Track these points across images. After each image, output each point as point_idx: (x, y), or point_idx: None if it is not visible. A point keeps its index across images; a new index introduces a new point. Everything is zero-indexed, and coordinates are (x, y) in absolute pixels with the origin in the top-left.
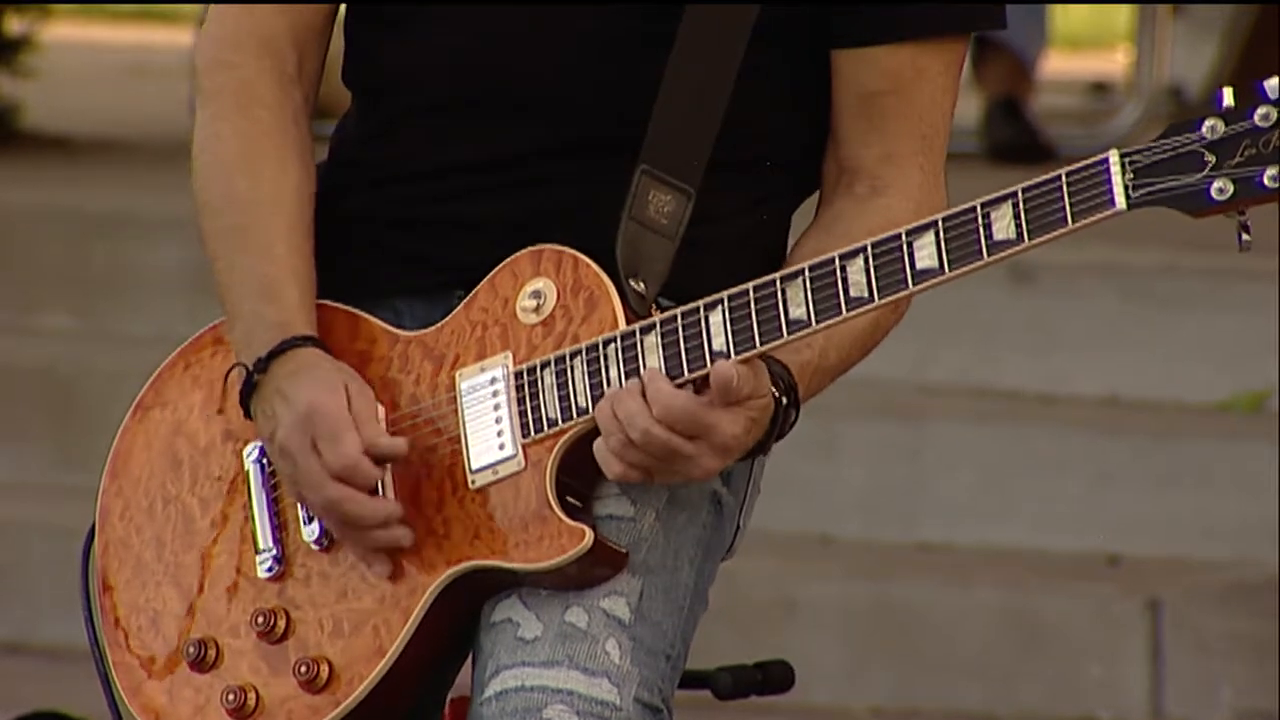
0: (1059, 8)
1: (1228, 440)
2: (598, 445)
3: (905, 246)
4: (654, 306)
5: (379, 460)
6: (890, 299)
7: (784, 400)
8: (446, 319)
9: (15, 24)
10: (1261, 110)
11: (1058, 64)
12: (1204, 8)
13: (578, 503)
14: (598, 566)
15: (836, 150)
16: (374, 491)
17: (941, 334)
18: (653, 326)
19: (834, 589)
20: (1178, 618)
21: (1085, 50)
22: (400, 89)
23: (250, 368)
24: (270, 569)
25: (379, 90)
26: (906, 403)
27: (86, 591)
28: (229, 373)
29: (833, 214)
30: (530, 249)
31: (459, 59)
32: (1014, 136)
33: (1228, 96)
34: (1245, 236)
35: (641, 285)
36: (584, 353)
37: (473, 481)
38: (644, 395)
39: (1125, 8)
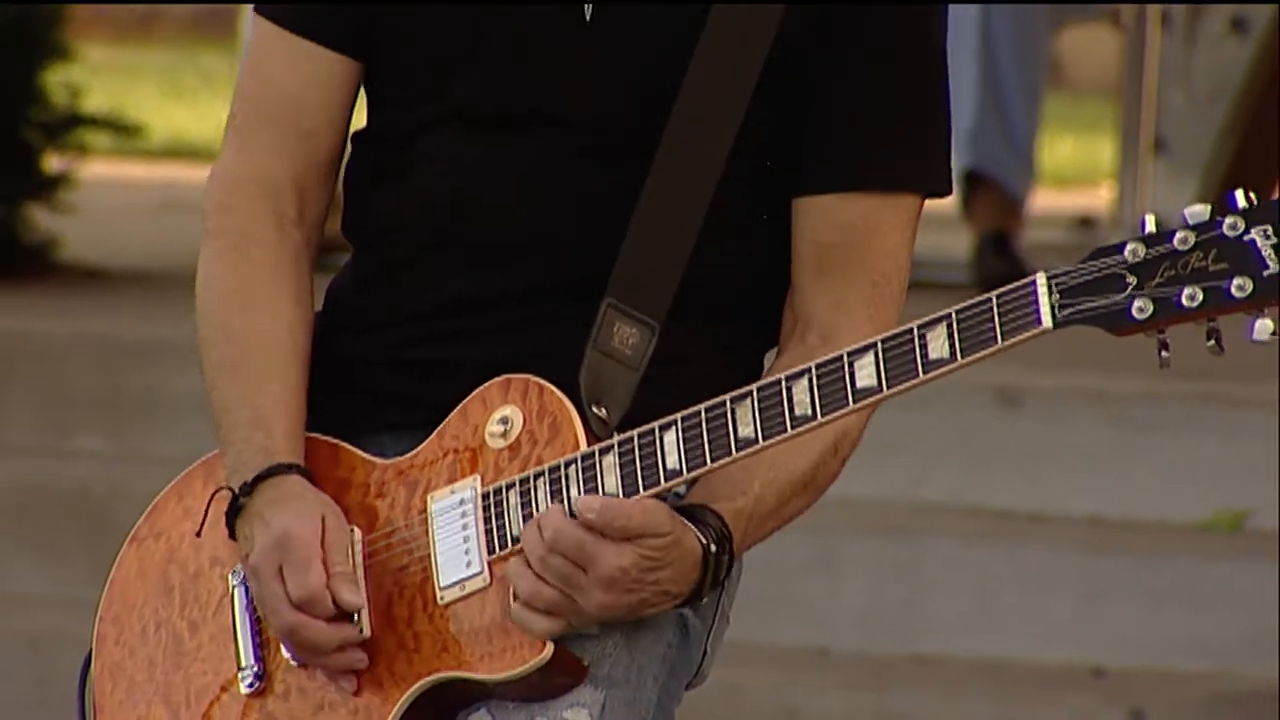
0: (1046, 146)
1: (1209, 559)
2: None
3: (847, 366)
4: (616, 431)
5: (338, 608)
6: (833, 416)
7: (713, 547)
8: (421, 446)
9: (54, 162)
10: (1180, 235)
11: (1045, 200)
12: (1184, 147)
13: None
14: (559, 676)
15: (793, 300)
16: (334, 618)
17: (935, 457)
18: (611, 447)
19: (834, 700)
20: None
21: (1071, 187)
22: (389, 237)
23: (236, 490)
24: (251, 685)
25: (370, 239)
26: (902, 523)
27: (82, 714)
28: (214, 495)
29: (783, 364)
30: (500, 378)
31: (444, 209)
32: (1003, 270)
33: (1149, 223)
34: (1164, 354)
35: (603, 411)
36: (546, 473)
37: (441, 598)
38: (538, 526)
39: (1109, 146)
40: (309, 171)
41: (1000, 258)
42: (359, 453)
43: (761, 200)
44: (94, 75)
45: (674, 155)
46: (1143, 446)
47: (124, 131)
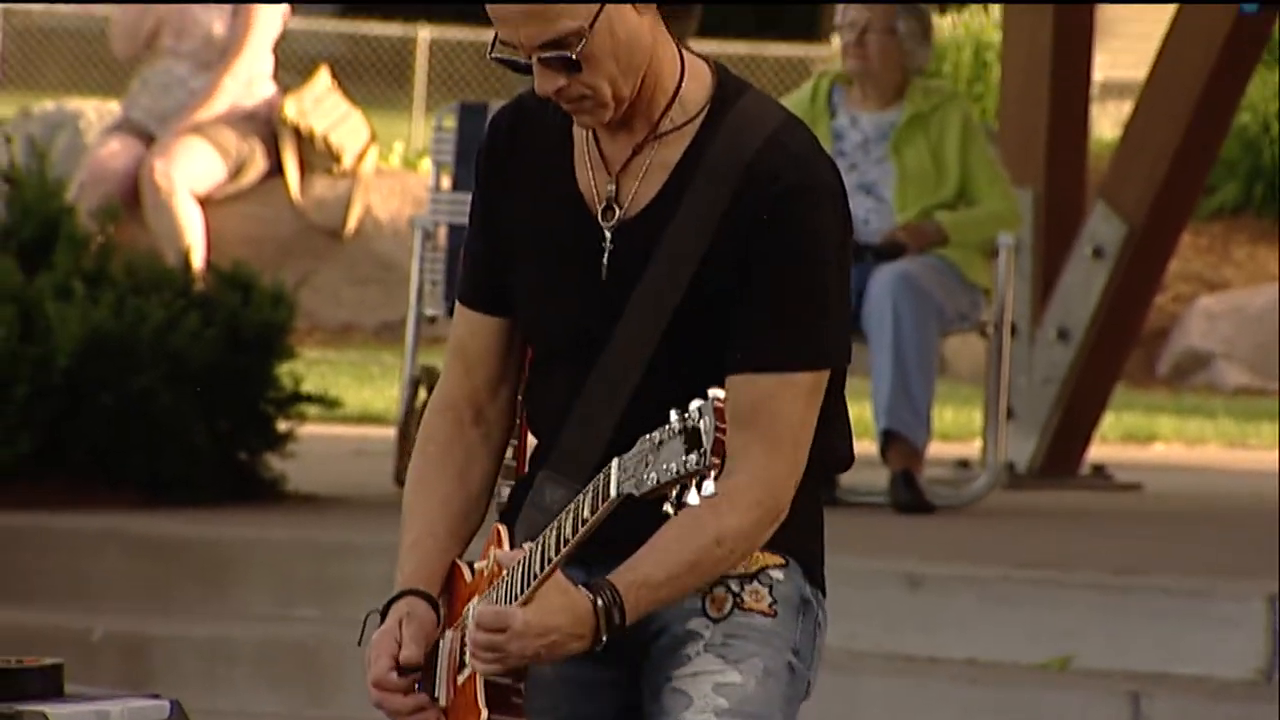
0: (937, 414)
1: (1046, 688)
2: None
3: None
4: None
5: (402, 675)
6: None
7: (599, 602)
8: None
9: (282, 425)
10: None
11: (936, 449)
12: (1027, 416)
13: (516, 691)
14: None
15: None
16: (410, 692)
17: (862, 619)
18: (517, 566)
19: None
20: None
21: (953, 440)
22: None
23: (380, 612)
24: None
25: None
26: (841, 664)
27: None
28: (367, 616)
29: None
30: (502, 526)
31: (532, 411)
32: (909, 497)
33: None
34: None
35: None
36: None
37: (458, 680)
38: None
39: (978, 414)
40: (478, 390)
41: (907, 488)
42: (468, 573)
43: (682, 379)
44: (309, 368)
45: (609, 358)
46: (1002, 612)
47: (329, 405)
